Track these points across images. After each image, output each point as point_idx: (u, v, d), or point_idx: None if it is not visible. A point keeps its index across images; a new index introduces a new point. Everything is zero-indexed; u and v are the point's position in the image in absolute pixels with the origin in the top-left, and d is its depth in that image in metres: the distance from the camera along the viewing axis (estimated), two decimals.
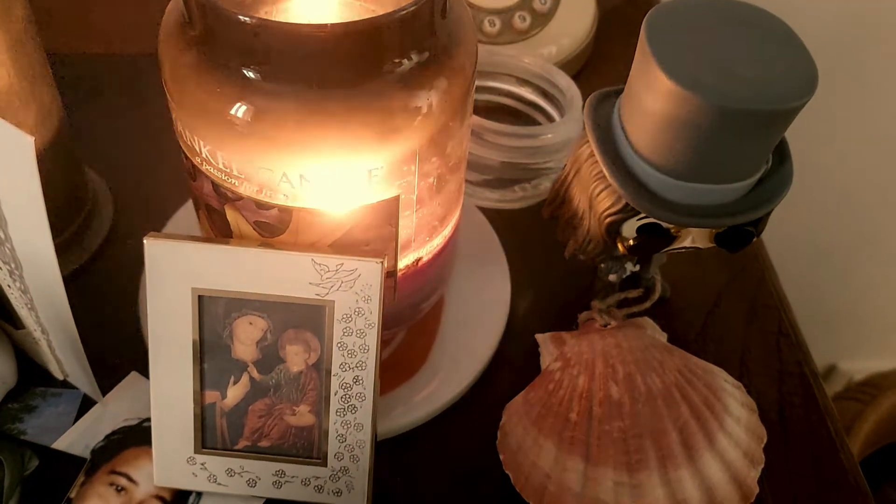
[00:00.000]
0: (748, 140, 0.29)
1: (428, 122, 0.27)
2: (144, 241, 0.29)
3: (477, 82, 0.46)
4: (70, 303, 0.31)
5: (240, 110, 0.26)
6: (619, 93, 0.34)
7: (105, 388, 0.35)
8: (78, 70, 0.51)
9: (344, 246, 0.29)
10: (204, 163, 0.28)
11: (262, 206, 0.28)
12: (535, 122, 0.46)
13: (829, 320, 1.02)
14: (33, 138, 0.23)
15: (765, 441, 0.34)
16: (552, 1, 0.48)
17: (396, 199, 0.29)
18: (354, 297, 0.29)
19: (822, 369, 1.10)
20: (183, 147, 0.29)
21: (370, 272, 0.29)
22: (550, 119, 0.45)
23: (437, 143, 0.28)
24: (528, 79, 0.45)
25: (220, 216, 0.30)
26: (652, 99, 0.29)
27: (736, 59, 0.29)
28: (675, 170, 0.30)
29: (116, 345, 0.37)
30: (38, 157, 0.36)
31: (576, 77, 0.52)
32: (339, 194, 0.28)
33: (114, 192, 0.44)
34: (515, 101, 0.47)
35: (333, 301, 0.29)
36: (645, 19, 0.30)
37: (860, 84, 0.72)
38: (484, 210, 0.42)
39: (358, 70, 0.25)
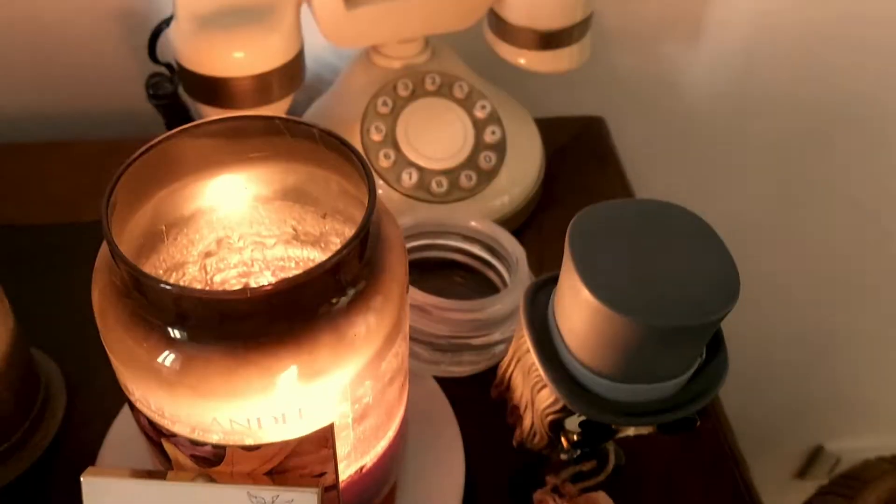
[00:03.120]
0: (676, 347, 0.30)
1: (360, 352, 0.28)
2: (81, 479, 0.29)
3: (427, 241, 0.47)
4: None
5: (167, 360, 0.26)
6: (555, 280, 0.34)
7: None
8: (33, 241, 0.51)
9: (281, 471, 0.29)
10: (137, 402, 0.28)
11: (196, 443, 0.28)
12: (485, 279, 0.47)
13: (812, 402, 1.02)
14: None
15: None
16: (497, 157, 0.49)
17: (331, 426, 0.29)
18: None
19: (808, 451, 1.10)
20: (119, 382, 0.30)
21: (306, 502, 0.28)
22: (500, 276, 0.46)
23: (369, 370, 0.29)
24: (476, 237, 0.46)
25: (158, 445, 0.30)
26: (577, 308, 0.30)
27: (658, 268, 0.30)
28: (608, 372, 0.31)
29: None
30: None
31: (528, 222, 0.53)
32: (270, 432, 0.28)
33: (66, 374, 0.44)
34: (466, 256, 0.47)
35: None
36: (569, 227, 0.31)
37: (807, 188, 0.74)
38: (437, 377, 0.43)
39: (284, 323, 0.26)
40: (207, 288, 0.35)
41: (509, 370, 0.36)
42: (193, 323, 0.25)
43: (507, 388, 0.36)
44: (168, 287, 0.25)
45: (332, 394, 0.28)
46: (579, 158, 0.58)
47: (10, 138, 0.59)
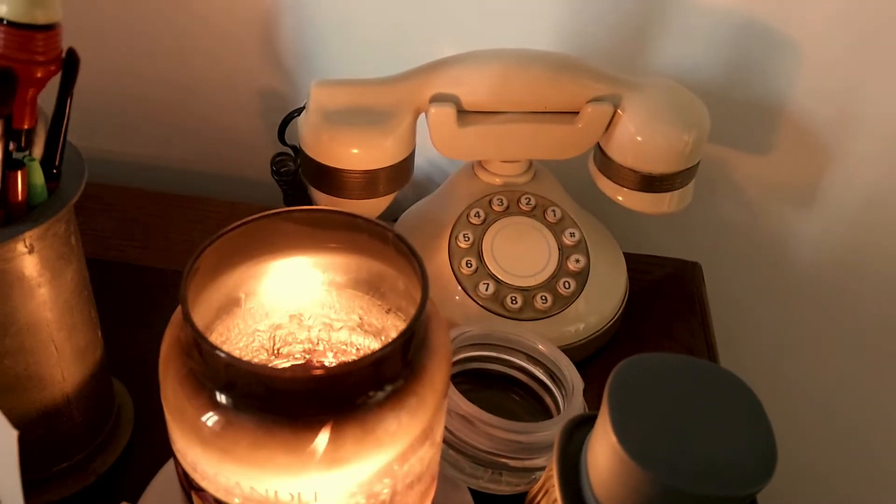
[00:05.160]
0: None
1: (385, 449, 0.29)
2: None
3: (492, 353, 0.48)
4: None
5: (209, 420, 0.28)
6: (595, 419, 0.34)
7: None
8: (147, 282, 0.56)
9: None
10: (178, 452, 0.31)
11: (219, 502, 0.30)
12: (542, 403, 0.47)
13: None
14: (17, 432, 0.26)
15: None
16: (577, 285, 0.49)
17: None
18: None
19: None
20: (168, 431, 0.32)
21: None
22: (556, 403, 0.46)
23: (391, 468, 0.30)
24: (540, 359, 0.46)
25: (189, 496, 0.32)
26: (606, 454, 0.30)
27: (695, 431, 0.29)
28: None
29: None
30: (66, 395, 0.39)
31: (599, 353, 0.53)
32: None
33: (138, 410, 0.47)
34: (527, 376, 0.48)
35: None
36: (613, 371, 0.31)
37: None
38: (473, 490, 0.43)
39: (320, 407, 0.27)
40: (273, 358, 0.37)
41: (537, 498, 0.35)
42: (239, 391, 0.27)
43: None
44: (221, 354, 0.27)
45: (349, 483, 0.29)
46: (667, 300, 0.57)
47: (143, 184, 0.66)
